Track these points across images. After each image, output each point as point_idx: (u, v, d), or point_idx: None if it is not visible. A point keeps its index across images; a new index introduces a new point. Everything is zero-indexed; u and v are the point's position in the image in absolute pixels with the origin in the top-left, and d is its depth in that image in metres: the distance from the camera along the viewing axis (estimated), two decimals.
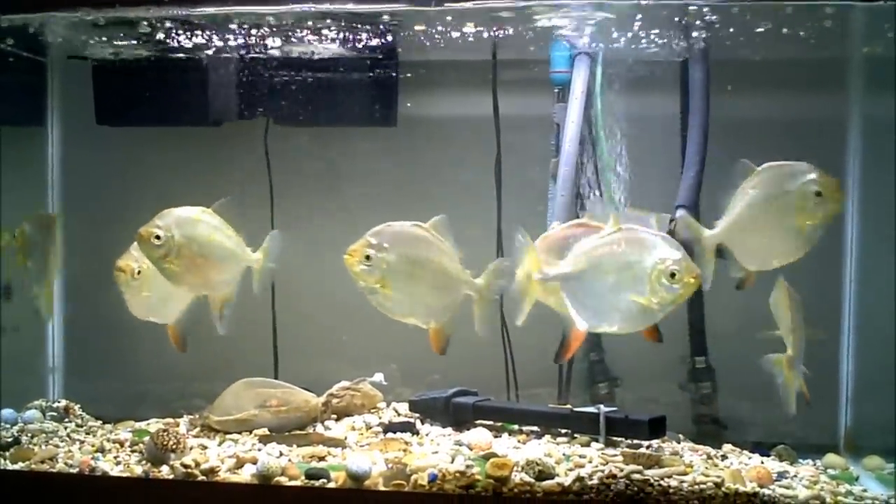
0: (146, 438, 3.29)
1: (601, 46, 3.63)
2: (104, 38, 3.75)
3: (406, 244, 3.15)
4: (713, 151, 3.56)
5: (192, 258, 3.31)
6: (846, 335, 3.77)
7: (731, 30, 3.42)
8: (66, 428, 3.68)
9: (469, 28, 3.52)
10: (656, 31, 3.51)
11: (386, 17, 3.41)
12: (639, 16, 3.36)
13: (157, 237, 3.26)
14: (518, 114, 3.97)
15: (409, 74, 3.98)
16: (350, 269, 3.13)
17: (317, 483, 3.03)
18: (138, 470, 3.16)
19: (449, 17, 3.42)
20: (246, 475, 3.09)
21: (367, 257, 3.12)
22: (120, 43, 3.79)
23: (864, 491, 3.06)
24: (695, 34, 3.49)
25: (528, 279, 3.11)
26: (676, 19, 3.37)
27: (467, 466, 3.03)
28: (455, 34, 3.60)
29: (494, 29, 3.57)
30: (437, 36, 3.63)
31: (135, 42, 3.78)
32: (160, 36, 3.68)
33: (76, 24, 3.58)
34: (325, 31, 3.63)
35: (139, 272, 3.46)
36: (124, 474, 3.15)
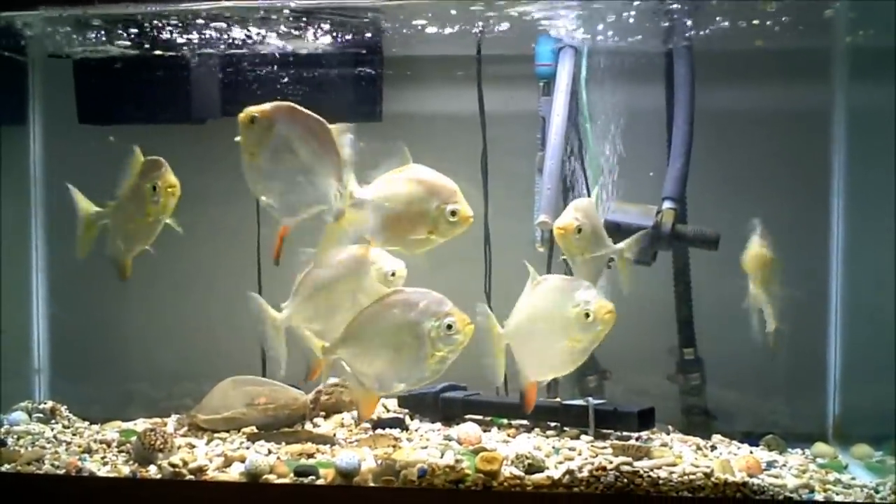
0: (133, 438, 3.27)
1: (586, 38, 3.62)
2: (85, 36, 3.72)
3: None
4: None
5: None
6: (833, 324, 3.78)
7: (716, 19, 3.43)
8: (52, 429, 3.65)
9: (454, 23, 3.52)
10: (640, 23, 3.51)
11: (369, 10, 3.40)
12: (632, 13, 3.36)
13: None
14: (504, 108, 3.96)
15: (393, 70, 3.96)
16: (561, 242, 3.19)
17: (306, 480, 3.01)
18: (126, 470, 3.14)
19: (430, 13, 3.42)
20: (234, 474, 3.07)
21: (579, 230, 3.17)
22: (100, 40, 3.76)
23: (853, 479, 3.07)
24: (677, 24, 3.50)
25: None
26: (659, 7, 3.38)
27: (457, 461, 3.02)
28: (438, 28, 3.59)
29: (479, 24, 3.57)
30: (420, 29, 3.62)
31: (117, 39, 3.75)
32: (143, 33, 3.65)
33: (56, 22, 3.55)
34: (308, 27, 3.61)
35: None
36: (112, 475, 3.13)
